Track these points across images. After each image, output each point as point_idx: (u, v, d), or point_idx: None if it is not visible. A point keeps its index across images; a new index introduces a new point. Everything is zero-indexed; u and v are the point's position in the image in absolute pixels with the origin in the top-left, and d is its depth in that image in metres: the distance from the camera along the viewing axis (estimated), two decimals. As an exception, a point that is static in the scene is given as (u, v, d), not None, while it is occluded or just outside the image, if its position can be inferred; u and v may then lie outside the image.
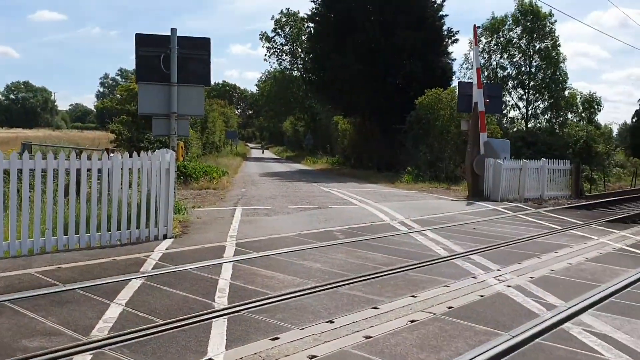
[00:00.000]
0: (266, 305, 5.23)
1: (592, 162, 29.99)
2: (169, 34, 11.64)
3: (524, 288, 6.24)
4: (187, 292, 5.59)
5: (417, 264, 7.27)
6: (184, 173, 19.41)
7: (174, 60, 11.54)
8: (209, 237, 8.76)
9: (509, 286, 6.31)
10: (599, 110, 34.34)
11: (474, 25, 18.96)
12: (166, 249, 7.71)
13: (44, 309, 4.95)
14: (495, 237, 9.67)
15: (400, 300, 5.55)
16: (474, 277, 6.67)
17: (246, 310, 5.06)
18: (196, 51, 11.92)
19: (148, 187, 8.78)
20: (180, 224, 9.93)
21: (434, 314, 5.17)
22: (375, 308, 5.26)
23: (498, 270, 7.10)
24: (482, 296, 5.89)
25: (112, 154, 12.28)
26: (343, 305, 5.33)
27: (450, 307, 5.42)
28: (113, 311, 4.94)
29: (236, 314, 4.98)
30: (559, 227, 11.12)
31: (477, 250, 8.35)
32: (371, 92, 34.24)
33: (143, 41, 11.73)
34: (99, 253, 7.36)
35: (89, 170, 8.04)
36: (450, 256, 7.86)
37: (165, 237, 8.72)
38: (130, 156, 8.57)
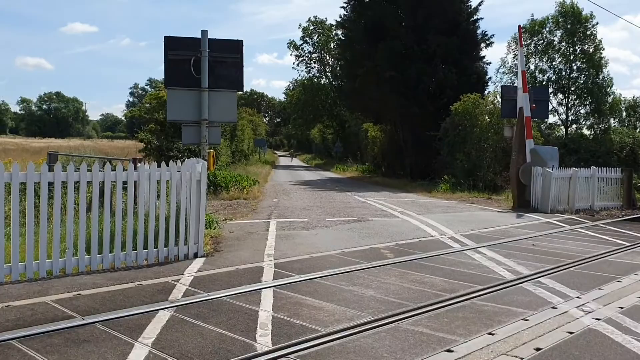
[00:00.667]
0: (318, 347, 4.36)
1: (639, 170, 28.51)
2: (200, 36, 10.96)
3: (618, 322, 5.25)
4: (224, 328, 4.75)
5: (483, 289, 6.33)
6: (213, 183, 18.73)
7: (204, 64, 10.84)
8: (244, 256, 7.93)
9: (598, 319, 5.34)
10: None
11: (519, 26, 17.96)
12: (197, 271, 6.90)
13: (57, 350, 4.17)
14: (559, 255, 8.66)
15: (477, 340, 4.63)
16: (553, 308, 5.70)
17: (295, 355, 4.20)
18: (228, 54, 11.20)
19: (177, 201, 8.03)
20: (211, 240, 9.15)
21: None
22: (449, 351, 4.36)
23: (578, 297, 6.12)
24: (570, 333, 4.93)
25: (139, 164, 11.63)
26: (410, 347, 4.43)
27: (538, 349, 4.49)
28: (137, 354, 4.13)
29: (283, 358, 4.13)
30: (627, 243, 10.04)
31: (545, 272, 7.36)
32: (403, 99, 33.23)
33: (172, 44, 11.06)
34: (124, 276, 6.59)
35: (113, 182, 7.32)
36: (518, 280, 6.90)
37: (195, 255, 7.94)
38: (159, 166, 7.88)
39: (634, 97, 35.24)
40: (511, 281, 6.83)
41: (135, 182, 7.71)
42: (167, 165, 7.82)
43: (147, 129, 24.04)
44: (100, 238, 7.08)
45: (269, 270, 6.98)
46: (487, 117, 26.98)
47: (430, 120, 32.11)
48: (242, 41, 11.33)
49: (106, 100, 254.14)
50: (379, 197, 19.62)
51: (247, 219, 12.83)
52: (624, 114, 34.04)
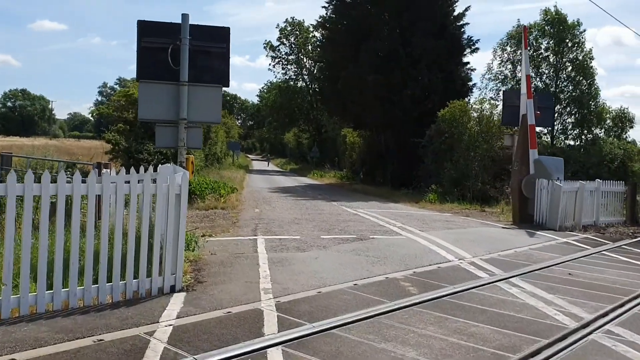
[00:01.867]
0: None
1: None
2: (179, 21, 9.34)
3: None
4: None
5: (550, 345, 4.89)
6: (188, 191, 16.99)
7: (184, 53, 9.21)
8: (235, 292, 6.33)
9: None
10: (631, 127, 32.03)
11: (524, 27, 16.76)
12: (177, 317, 5.27)
13: None
14: (608, 289, 7.27)
15: None
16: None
17: None
18: (212, 43, 9.58)
19: (151, 219, 6.41)
20: (191, 267, 7.53)
21: None
22: None
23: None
24: None
25: (104, 171, 9.92)
26: None
27: None
28: None
29: None
30: (670, 272, 8.73)
31: (611, 315, 5.96)
32: (387, 103, 31.94)
33: (147, 30, 9.39)
34: (79, 325, 4.94)
35: (70, 195, 5.67)
36: (584, 328, 5.47)
37: (173, 289, 6.31)
38: (128, 172, 6.27)
39: (621, 107, 34.58)
40: (576, 330, 5.39)
41: (98, 195, 6.05)
42: (137, 170, 6.23)
43: (114, 129, 22.17)
44: (51, 267, 5.43)
45: (271, 316, 5.40)
46: (475, 124, 25.83)
47: (413, 126, 30.86)
48: (228, 28, 9.74)
49: (74, 100, 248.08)
50: (369, 209, 18.14)
51: (229, 234, 11.19)
52: (610, 123, 33.24)
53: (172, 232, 6.42)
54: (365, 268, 7.86)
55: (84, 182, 5.80)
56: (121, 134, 21.69)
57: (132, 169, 6.45)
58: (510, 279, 7.57)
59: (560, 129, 32.85)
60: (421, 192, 25.28)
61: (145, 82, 9.32)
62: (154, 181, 6.46)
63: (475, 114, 25.83)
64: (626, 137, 32.19)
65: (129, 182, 6.29)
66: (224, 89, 10.12)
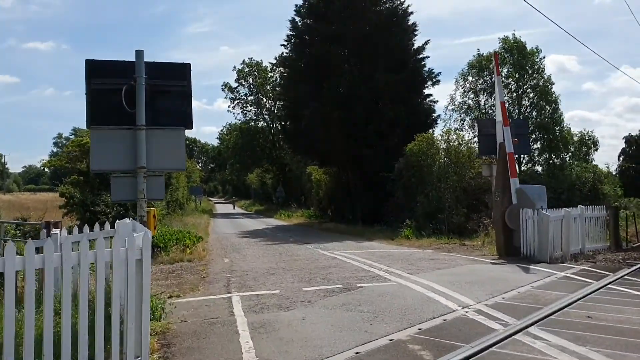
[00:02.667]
0: None
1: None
2: (133, 59, 8.35)
3: None
4: None
5: None
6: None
7: (141, 94, 8.20)
8: (215, 375, 5.18)
9: None
10: (596, 150, 32.16)
11: (495, 53, 16.44)
12: None
13: None
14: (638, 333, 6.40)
15: None
16: None
17: None
18: (172, 82, 8.60)
19: (107, 287, 5.26)
20: (158, 342, 6.33)
21: None
22: None
23: None
24: None
25: (54, 231, 8.68)
26: None
27: None
28: None
29: None
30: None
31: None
32: (352, 139, 31.33)
33: (97, 69, 8.37)
34: None
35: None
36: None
37: (137, 377, 5.13)
38: (81, 230, 5.10)
39: (585, 130, 34.78)
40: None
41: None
42: (93, 226, 5.02)
43: (68, 181, 20.74)
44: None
45: (264, 411, 4.27)
46: (443, 156, 25.33)
47: (381, 161, 30.22)
48: (189, 65, 8.78)
49: (29, 152, 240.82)
50: (345, 250, 17.13)
51: (199, 293, 9.99)
52: (572, 149, 33.33)
53: (134, 305, 5.27)
54: (363, 328, 6.79)
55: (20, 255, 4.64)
56: (75, 186, 20.26)
57: (84, 237, 5.32)
58: (528, 329, 6.62)
59: (528, 156, 32.68)
60: (395, 228, 24.43)
61: (97, 128, 8.22)
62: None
63: (443, 145, 25.29)
64: (591, 159, 32.25)
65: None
66: (186, 131, 9.03)
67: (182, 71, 8.71)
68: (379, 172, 29.12)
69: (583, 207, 16.37)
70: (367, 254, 15.85)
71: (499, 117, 15.76)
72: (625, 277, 10.83)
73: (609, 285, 9.75)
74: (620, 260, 14.39)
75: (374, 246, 18.92)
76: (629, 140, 42.01)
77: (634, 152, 41.27)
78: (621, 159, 40.98)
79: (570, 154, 32.44)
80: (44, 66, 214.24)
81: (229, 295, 9.55)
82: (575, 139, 32.53)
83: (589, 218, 16.38)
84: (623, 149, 41.14)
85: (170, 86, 8.58)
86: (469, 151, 24.49)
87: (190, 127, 8.79)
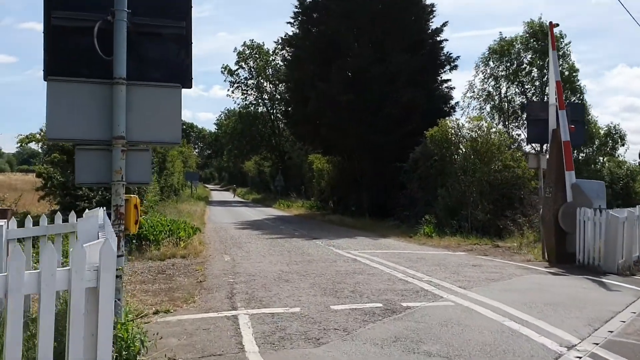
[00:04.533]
0: None
1: (631, 206, 25.20)
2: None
3: None
4: None
5: None
6: (138, 235, 13.32)
7: (121, 35, 5.83)
8: None
9: None
10: (622, 145, 29.79)
11: (550, 23, 13.91)
12: None
13: None
14: None
15: None
16: None
17: None
18: (166, 21, 6.20)
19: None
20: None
21: None
22: None
23: None
24: None
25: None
26: None
27: None
28: None
29: None
30: None
31: None
32: (362, 125, 28.85)
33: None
34: None
35: None
36: None
37: None
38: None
39: (611, 123, 32.46)
40: None
41: None
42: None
43: (47, 159, 18.26)
44: None
45: None
46: (469, 145, 22.92)
47: (393, 149, 27.83)
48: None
49: (24, 132, 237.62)
50: (363, 249, 14.79)
51: (195, 307, 7.62)
52: (596, 142, 30.97)
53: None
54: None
55: None
56: (56, 166, 17.76)
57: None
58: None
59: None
60: (411, 224, 22.09)
61: (56, 80, 5.79)
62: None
63: (470, 133, 22.87)
64: (618, 155, 29.91)
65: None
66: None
67: (179, 7, 6.30)
68: (392, 162, 26.74)
69: (642, 207, 14.05)
70: (392, 255, 13.50)
71: (552, 99, 13.39)
72: None
73: None
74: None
75: (394, 245, 16.56)
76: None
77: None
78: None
79: (595, 147, 30.01)
80: (41, 46, 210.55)
81: (234, 312, 7.18)
82: (602, 132, 30.11)
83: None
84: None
85: (162, 27, 6.17)
86: (499, 141, 22.09)
87: (189, 86, 6.38)
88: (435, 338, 5.92)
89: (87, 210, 6.90)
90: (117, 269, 5.73)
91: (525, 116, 30.90)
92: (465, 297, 8.09)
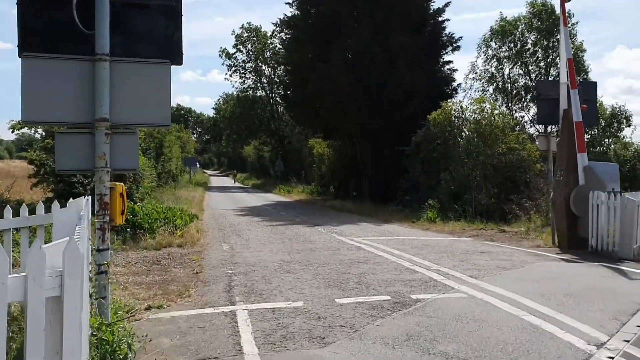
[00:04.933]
0: None
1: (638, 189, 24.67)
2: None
3: None
4: None
5: None
6: (132, 223, 12.82)
7: (104, 6, 5.26)
8: None
9: None
10: (628, 126, 29.15)
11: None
12: None
13: None
14: None
15: None
16: None
17: None
18: (151, -9, 5.65)
19: None
20: None
21: None
22: None
23: None
24: None
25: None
26: None
27: None
28: None
29: None
30: None
31: None
32: (363, 107, 28.22)
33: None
34: None
35: None
36: None
37: None
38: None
39: (617, 103, 31.82)
40: None
41: None
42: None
43: (41, 145, 17.69)
44: None
45: None
46: (473, 128, 22.34)
47: (395, 133, 27.25)
48: (179, -33, 5.81)
49: (18, 119, 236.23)
50: (367, 236, 14.30)
51: (190, 302, 7.13)
52: (602, 122, 30.34)
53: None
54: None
55: None
56: (49, 152, 17.18)
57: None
58: None
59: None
60: (414, 209, 21.60)
61: (33, 57, 5.24)
62: None
63: (473, 116, 22.29)
64: (624, 136, 29.30)
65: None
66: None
67: (168, -24, 5.73)
68: (393, 146, 26.16)
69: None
70: (396, 242, 13.02)
71: (563, 78, 12.81)
72: None
73: None
74: None
75: (398, 231, 16.07)
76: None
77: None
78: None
79: (600, 128, 29.36)
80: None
81: (232, 308, 6.69)
82: (607, 113, 29.46)
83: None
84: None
85: (148, -2, 5.62)
86: (503, 123, 21.51)
87: (180, 62, 5.83)
88: (450, 336, 5.42)
89: (70, 199, 6.37)
90: (102, 264, 5.27)
91: (529, 97, 30.48)
92: (478, 288, 7.59)
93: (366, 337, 5.45)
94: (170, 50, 5.69)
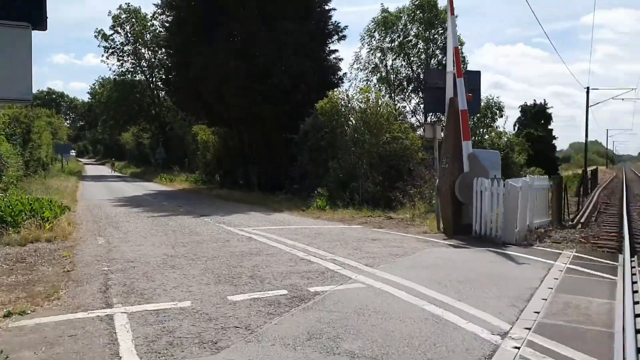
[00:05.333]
0: None
1: (510, 175, 26.19)
2: None
3: None
4: None
5: None
6: (-8, 216, 11.37)
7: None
8: None
9: None
10: (500, 117, 30.89)
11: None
12: None
13: None
14: None
15: None
16: None
17: None
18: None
19: None
20: None
21: None
22: None
23: None
24: None
25: None
26: None
27: None
28: None
29: None
30: None
31: None
32: (250, 94, 27.52)
33: None
34: None
35: None
36: None
37: None
38: None
39: (490, 95, 33.58)
40: None
41: None
42: None
43: None
44: None
45: None
46: (359, 116, 22.49)
47: (283, 120, 26.93)
48: None
49: None
50: (258, 226, 13.78)
51: (59, 306, 6.24)
52: (478, 114, 31.93)
53: None
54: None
55: None
56: None
57: None
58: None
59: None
60: (303, 198, 21.38)
61: None
62: None
63: (360, 105, 22.42)
64: (497, 126, 31.02)
65: None
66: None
67: None
68: (282, 133, 25.79)
69: (533, 176, 14.28)
70: (289, 231, 12.63)
71: (450, 67, 13.05)
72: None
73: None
74: (583, 240, 12.39)
75: (289, 220, 15.71)
76: (524, 109, 41.89)
77: (527, 122, 41.23)
78: (516, 127, 40.81)
79: (475, 118, 30.84)
80: None
81: (109, 311, 5.91)
82: (482, 104, 30.97)
83: (534, 189, 14.27)
84: (519, 118, 40.94)
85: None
86: (387, 112, 21.83)
87: (44, 27, 4.97)
88: (354, 332, 5.08)
89: None
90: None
91: (411, 88, 31.36)
92: (375, 277, 7.36)
93: (264, 338, 4.96)
94: (30, 11, 4.82)
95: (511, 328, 5.26)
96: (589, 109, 36.42)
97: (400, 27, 30.79)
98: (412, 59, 31.01)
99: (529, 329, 5.25)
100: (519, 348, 4.72)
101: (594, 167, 51.22)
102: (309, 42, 28.42)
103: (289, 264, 8.37)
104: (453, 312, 5.73)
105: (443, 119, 23.66)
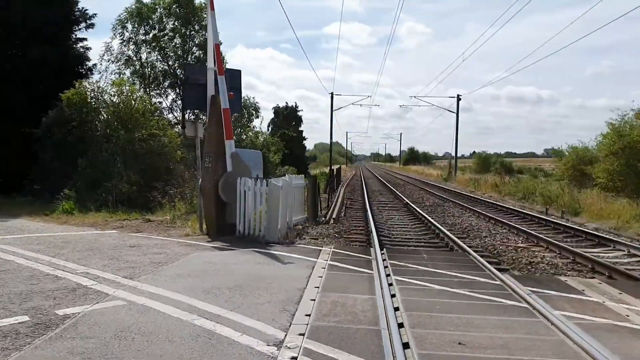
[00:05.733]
0: None
1: (267, 174, 26.91)
2: None
3: None
4: None
5: None
6: None
7: None
8: None
9: None
10: (257, 117, 31.60)
11: (209, -19, 12.94)
12: None
13: None
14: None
15: None
16: None
17: None
18: None
19: None
20: None
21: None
22: None
23: None
24: None
25: None
26: None
27: None
28: None
29: None
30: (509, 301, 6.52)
31: None
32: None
33: None
34: None
35: None
36: None
37: None
38: None
39: (247, 96, 34.09)
40: None
41: None
42: None
43: None
44: None
45: None
46: (112, 110, 20.88)
47: (21, 112, 23.71)
48: None
49: None
50: (-13, 236, 11.72)
51: None
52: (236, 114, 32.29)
53: None
54: None
55: None
56: None
57: None
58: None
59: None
60: (47, 200, 19.02)
61: None
62: None
63: (112, 98, 20.80)
64: (254, 126, 31.70)
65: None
66: None
67: None
68: (21, 127, 22.65)
69: (292, 176, 14.70)
70: (29, 240, 10.94)
71: (210, 63, 12.68)
72: (396, 262, 9.11)
73: (404, 280, 7.79)
74: (337, 236, 13.15)
75: (29, 227, 13.71)
76: (277, 111, 43.64)
77: (280, 123, 43.05)
78: (270, 128, 42.31)
79: (233, 118, 31.09)
80: None
81: None
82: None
83: (293, 188, 14.75)
84: (272, 119, 42.51)
85: None
86: (143, 107, 20.63)
87: None
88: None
89: None
90: None
91: (167, 83, 30.28)
92: (137, 291, 6.63)
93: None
94: None
95: (286, 335, 5.09)
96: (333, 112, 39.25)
97: (156, 19, 29.48)
98: (168, 53, 29.92)
99: (303, 334, 5.13)
100: (296, 358, 4.54)
101: (338, 165, 55.88)
102: (52, 28, 25.52)
103: (30, 282, 7.12)
104: (226, 325, 5.35)
105: (202, 116, 23.40)
